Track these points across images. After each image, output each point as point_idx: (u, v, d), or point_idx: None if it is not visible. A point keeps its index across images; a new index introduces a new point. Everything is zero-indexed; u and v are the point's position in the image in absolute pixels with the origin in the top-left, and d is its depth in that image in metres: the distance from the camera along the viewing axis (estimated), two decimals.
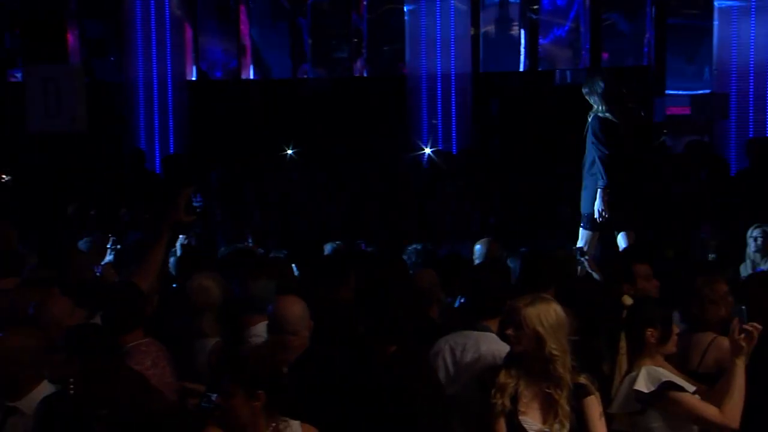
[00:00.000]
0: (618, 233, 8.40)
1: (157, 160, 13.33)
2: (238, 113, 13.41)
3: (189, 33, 13.86)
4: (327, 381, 4.41)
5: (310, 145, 12.61)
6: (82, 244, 8.07)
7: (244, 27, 13.92)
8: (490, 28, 13.56)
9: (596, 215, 8.20)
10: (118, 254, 7.86)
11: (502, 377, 4.34)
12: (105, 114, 12.76)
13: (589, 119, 8.35)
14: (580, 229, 8.45)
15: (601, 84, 8.27)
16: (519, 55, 13.38)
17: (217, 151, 13.00)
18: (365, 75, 13.88)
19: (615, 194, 8.21)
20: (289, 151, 12.51)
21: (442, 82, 12.90)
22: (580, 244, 8.32)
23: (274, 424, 3.98)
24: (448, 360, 4.85)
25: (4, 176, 12.37)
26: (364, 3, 13.76)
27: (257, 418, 3.93)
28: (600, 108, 8.30)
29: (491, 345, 4.78)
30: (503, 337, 4.48)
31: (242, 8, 13.89)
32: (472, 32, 13.19)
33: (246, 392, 3.89)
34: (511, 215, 10.87)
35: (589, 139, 8.30)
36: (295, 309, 4.83)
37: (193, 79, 13.99)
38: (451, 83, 12.90)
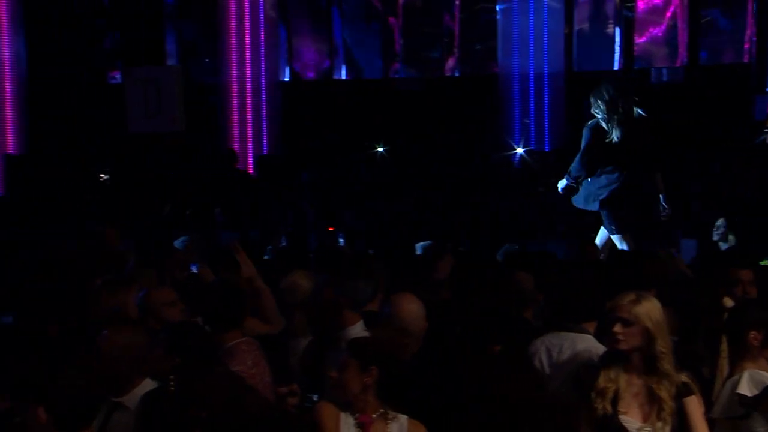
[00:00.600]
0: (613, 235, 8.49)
1: (251, 160, 13.48)
2: (330, 113, 13.49)
3: (282, 34, 14.00)
4: (438, 381, 4.41)
5: (402, 144, 12.62)
6: (177, 244, 8.20)
7: (337, 27, 14.00)
8: (585, 26, 13.40)
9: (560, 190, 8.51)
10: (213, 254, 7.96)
11: (602, 380, 4.27)
12: (200, 114, 12.97)
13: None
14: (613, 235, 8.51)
15: (605, 94, 8.17)
16: (614, 53, 13.20)
17: (310, 151, 13.11)
18: (457, 74, 13.85)
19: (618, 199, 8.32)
20: (380, 150, 12.55)
21: (534, 81, 12.79)
22: (619, 246, 8.38)
23: (382, 410, 4.05)
24: (545, 361, 4.80)
25: (102, 175, 12.65)
26: (457, 2, 13.73)
27: (367, 395, 4.05)
28: (601, 116, 8.21)
29: (588, 345, 4.72)
30: (603, 338, 4.41)
31: (335, 9, 13.98)
32: (565, 30, 13.06)
33: (359, 365, 4.03)
34: None
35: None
36: (413, 308, 4.83)
37: (286, 79, 14.12)
38: (543, 82, 12.79)
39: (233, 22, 13.48)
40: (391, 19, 13.99)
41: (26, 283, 5.87)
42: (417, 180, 11.57)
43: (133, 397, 4.34)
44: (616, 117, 8.15)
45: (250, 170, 13.22)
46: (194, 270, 7.02)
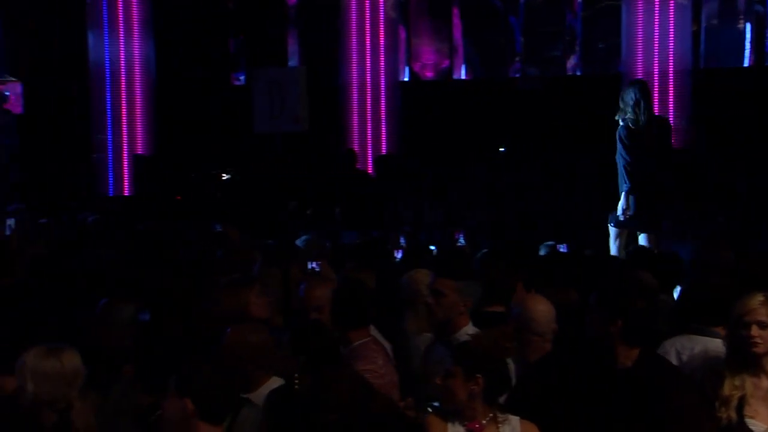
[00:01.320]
0: (640, 234, 8.87)
1: (370, 160, 13.56)
2: (449, 113, 13.47)
3: (402, 34, 14.04)
4: (568, 384, 4.34)
5: (522, 144, 12.52)
6: (299, 243, 8.30)
7: (457, 27, 13.98)
8: (714, 22, 13.05)
9: (620, 215, 8.78)
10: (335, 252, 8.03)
11: (727, 388, 4.18)
12: (320, 115, 13.12)
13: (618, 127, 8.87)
14: (609, 227, 8.96)
15: (632, 95, 8.80)
16: (744, 50, 12.83)
17: (429, 150, 13.11)
18: (578, 74, 13.67)
19: (643, 196, 8.72)
20: (501, 150, 12.47)
21: (659, 79, 12.51)
22: (611, 242, 8.89)
23: (491, 414, 4.02)
24: (674, 363, 4.69)
25: (224, 175, 12.90)
26: (579, 0, 13.56)
27: (474, 403, 4.01)
28: (628, 116, 8.76)
29: (719, 348, 4.59)
30: (732, 341, 4.29)
31: (455, 9, 13.96)
32: (693, 27, 12.75)
33: (465, 374, 3.99)
34: (734, 215, 10.46)
35: (618, 145, 8.81)
36: (544, 309, 4.79)
37: (406, 79, 14.16)
38: (669, 80, 12.51)
39: (354, 23, 13.58)
40: (512, 18, 13.89)
41: (156, 282, 6.01)
42: (538, 180, 11.45)
43: (260, 393, 4.41)
44: (640, 119, 8.74)
45: (370, 170, 13.31)
46: (316, 268, 7.07)
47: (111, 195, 13.72)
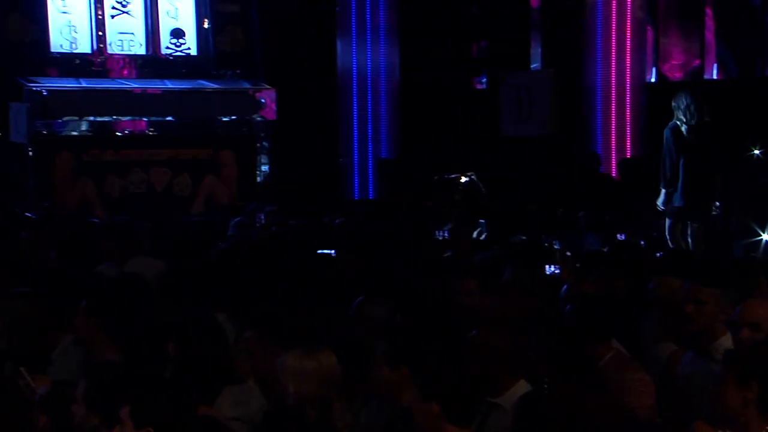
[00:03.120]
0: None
1: (613, 163, 13.28)
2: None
3: (650, 34, 13.66)
4: None
5: None
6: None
7: (709, 26, 13.44)
8: None
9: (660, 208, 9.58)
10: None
11: None
12: (564, 117, 12.97)
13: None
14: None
15: (684, 100, 9.31)
16: None
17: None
18: None
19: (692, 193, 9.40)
20: (756, 153, 11.88)
21: None
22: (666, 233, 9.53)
23: (766, 427, 3.87)
24: None
25: (463, 178, 12.96)
26: None
27: (747, 410, 3.86)
28: (679, 120, 9.27)
29: None
30: None
31: (707, 9, 13.42)
32: None
33: (738, 380, 3.86)
34: None
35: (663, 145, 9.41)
36: None
37: (652, 80, 13.77)
38: None
39: (599, 24, 13.33)
40: None
41: (410, 282, 6.11)
42: None
43: (508, 398, 4.38)
44: (690, 122, 9.25)
45: (613, 173, 13.02)
46: (556, 272, 6.97)
47: (356, 198, 14.09)
